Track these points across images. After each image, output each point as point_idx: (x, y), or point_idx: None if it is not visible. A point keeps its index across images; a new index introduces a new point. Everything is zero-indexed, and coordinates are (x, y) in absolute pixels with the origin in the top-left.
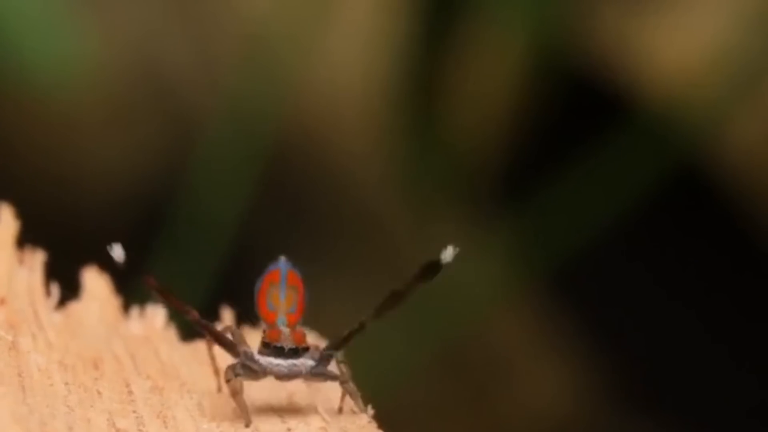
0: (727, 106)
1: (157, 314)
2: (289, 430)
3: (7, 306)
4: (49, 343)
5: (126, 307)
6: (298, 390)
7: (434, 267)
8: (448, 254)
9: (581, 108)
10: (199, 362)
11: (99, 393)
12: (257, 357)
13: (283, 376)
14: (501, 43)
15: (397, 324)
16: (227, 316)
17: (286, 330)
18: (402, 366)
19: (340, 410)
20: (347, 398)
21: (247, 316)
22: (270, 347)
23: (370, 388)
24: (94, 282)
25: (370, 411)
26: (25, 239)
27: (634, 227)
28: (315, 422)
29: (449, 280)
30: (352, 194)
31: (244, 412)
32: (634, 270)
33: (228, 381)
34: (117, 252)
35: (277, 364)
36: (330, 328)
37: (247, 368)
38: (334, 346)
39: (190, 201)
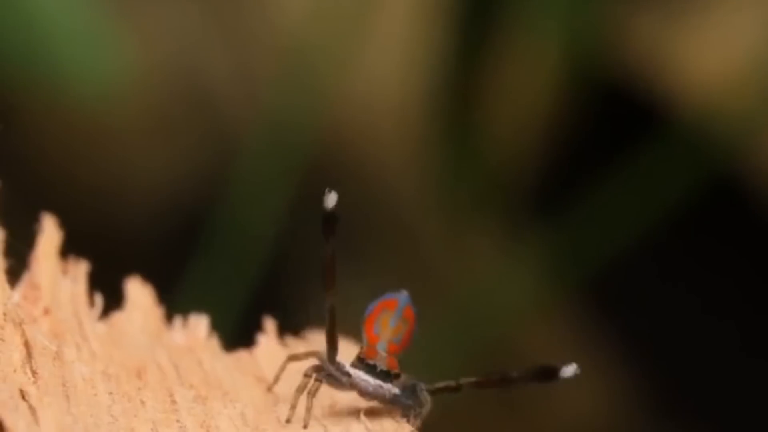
0: (763, 117)
1: (199, 324)
2: None
3: (52, 316)
4: (93, 353)
5: (169, 317)
6: (341, 398)
7: (551, 375)
8: (569, 371)
9: (616, 118)
10: (241, 372)
11: (143, 402)
12: (348, 368)
13: (367, 394)
14: (536, 55)
15: (432, 335)
16: (270, 328)
17: (383, 354)
18: (437, 376)
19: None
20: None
21: (286, 327)
22: (363, 363)
23: None
24: (138, 292)
25: (413, 421)
26: (69, 250)
27: (668, 238)
28: (357, 431)
29: (483, 290)
30: (387, 205)
31: (308, 413)
32: (667, 280)
33: (306, 375)
34: (331, 198)
35: (365, 380)
36: (357, 337)
37: (333, 378)
38: (427, 388)
39: (229, 211)
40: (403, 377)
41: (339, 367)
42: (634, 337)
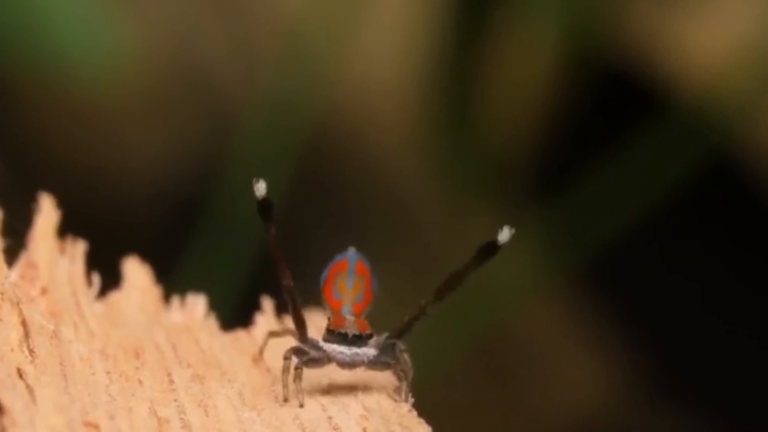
0: (761, 99)
1: (197, 304)
2: (330, 418)
3: (49, 295)
4: (91, 333)
5: (167, 296)
6: (338, 378)
7: (491, 248)
8: (504, 235)
9: (614, 101)
10: (239, 351)
11: (140, 382)
12: (321, 343)
13: (345, 364)
14: (535, 37)
15: (429, 318)
16: (267, 307)
17: (350, 318)
18: (436, 359)
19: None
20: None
21: (284, 307)
22: (334, 334)
23: None
24: (135, 272)
25: (411, 400)
26: (67, 230)
27: (667, 220)
28: (355, 410)
29: (481, 273)
30: (385, 187)
31: (301, 393)
32: (666, 263)
33: (285, 359)
34: (260, 187)
35: (341, 352)
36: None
37: (310, 358)
38: (396, 335)
39: (227, 192)
40: (375, 334)
41: (312, 343)
42: (632, 320)
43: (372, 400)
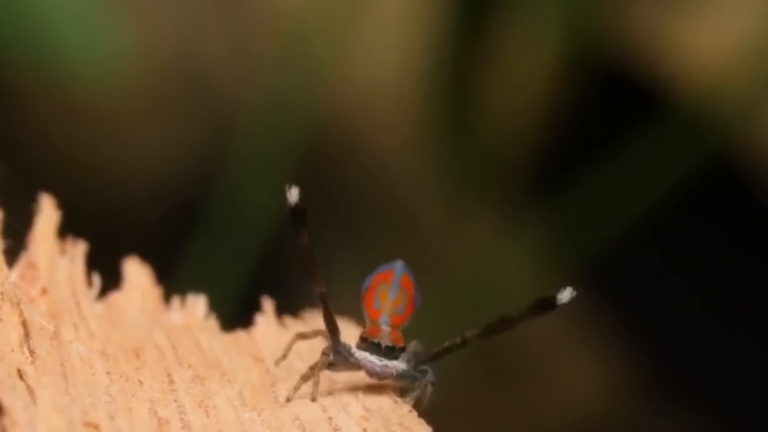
0: (761, 99)
1: (197, 304)
2: (330, 418)
3: (49, 296)
4: (91, 333)
5: (167, 297)
6: (339, 379)
7: (549, 305)
8: (565, 295)
9: (614, 101)
10: (239, 352)
11: (140, 382)
12: (354, 350)
13: (375, 374)
14: (535, 37)
15: (431, 317)
16: (267, 307)
17: (386, 328)
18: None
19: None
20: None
21: (285, 307)
22: (367, 342)
23: None
24: (136, 272)
25: (411, 400)
26: (67, 230)
27: (668, 221)
28: (356, 411)
29: (482, 273)
30: (385, 187)
31: (315, 387)
32: (667, 264)
33: (324, 354)
34: (293, 194)
35: (371, 361)
36: (357, 319)
37: (342, 359)
38: (431, 357)
39: (227, 192)
40: (411, 347)
41: (345, 349)
42: (632, 320)
43: (372, 400)
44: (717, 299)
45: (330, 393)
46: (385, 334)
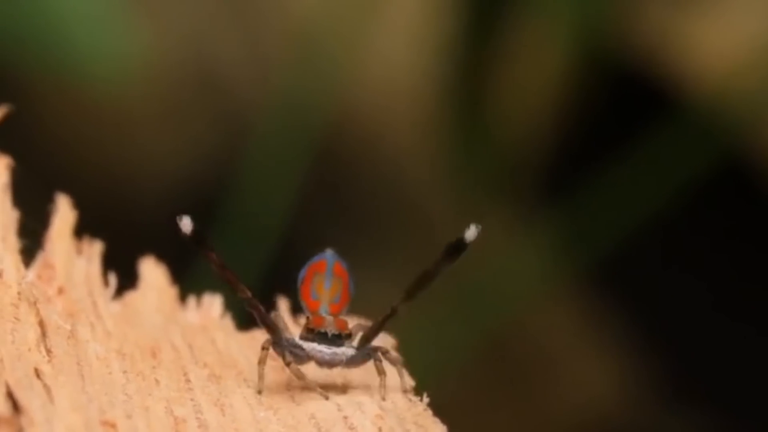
0: None
1: (213, 303)
2: (345, 417)
3: (66, 295)
4: (108, 332)
5: (183, 296)
6: (354, 378)
7: (459, 246)
8: (471, 233)
9: (625, 101)
10: (255, 351)
11: (157, 381)
12: (300, 342)
13: (324, 363)
14: (547, 37)
15: (442, 317)
16: (283, 306)
17: (329, 317)
18: (448, 358)
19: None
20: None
21: (299, 307)
22: (313, 332)
23: (418, 379)
24: (152, 272)
25: (426, 399)
26: (83, 231)
27: (678, 221)
28: (371, 409)
29: (493, 272)
30: (398, 188)
31: (260, 380)
32: (678, 263)
33: (263, 348)
34: (185, 223)
35: (320, 351)
36: (371, 316)
37: (292, 353)
38: (370, 334)
39: (241, 194)
40: (354, 329)
41: (290, 342)
42: (643, 320)
43: (387, 399)
44: (728, 299)
45: (345, 392)
46: (330, 323)
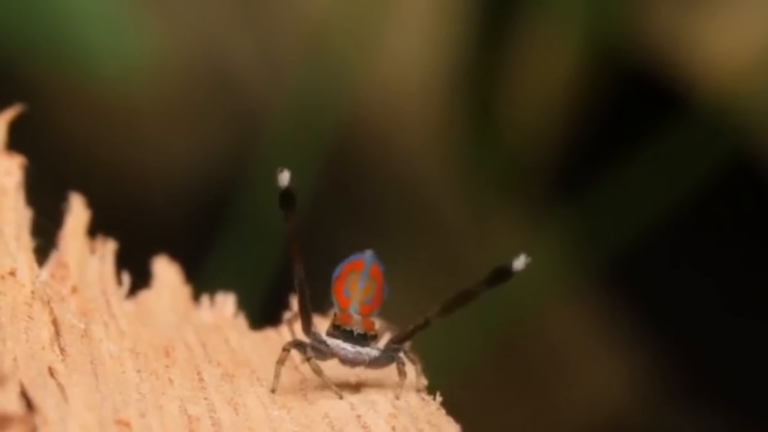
0: None
1: (227, 302)
2: (358, 416)
3: (80, 294)
4: (121, 331)
5: (196, 295)
6: (367, 377)
7: (505, 274)
8: (520, 263)
9: (636, 101)
10: (268, 350)
11: (170, 380)
12: (325, 338)
13: (347, 361)
14: (558, 38)
15: (454, 318)
16: (296, 305)
17: (357, 316)
18: (460, 357)
19: (397, 397)
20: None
21: (312, 303)
22: (339, 330)
23: (430, 378)
24: (165, 271)
25: (439, 398)
26: (96, 229)
27: (689, 220)
28: (384, 408)
29: None
30: (409, 187)
31: (275, 379)
32: (688, 262)
33: (284, 350)
34: (284, 177)
35: (344, 348)
36: (382, 316)
37: (315, 349)
38: (398, 340)
39: (255, 193)
40: (380, 334)
41: (316, 337)
42: (654, 319)
43: (401, 398)
44: (738, 298)
45: (358, 391)
46: (357, 322)
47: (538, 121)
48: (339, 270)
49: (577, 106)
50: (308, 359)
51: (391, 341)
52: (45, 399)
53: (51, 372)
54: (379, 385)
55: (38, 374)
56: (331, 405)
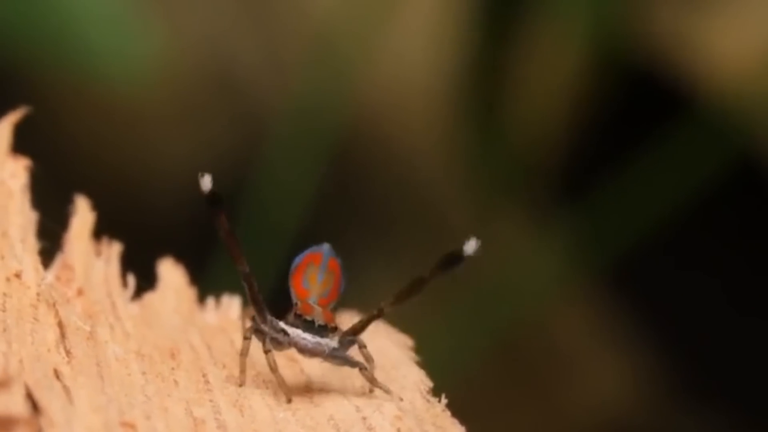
0: None
1: (232, 304)
2: (364, 418)
3: (85, 296)
4: (127, 333)
5: (201, 297)
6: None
7: (456, 259)
8: (470, 247)
9: (641, 102)
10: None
11: (176, 382)
12: (285, 327)
13: (306, 351)
14: (563, 39)
15: (458, 317)
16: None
17: (318, 308)
18: (465, 359)
19: (371, 390)
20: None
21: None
22: (300, 319)
23: (435, 379)
24: (170, 273)
25: (444, 400)
26: (102, 231)
27: (693, 221)
28: (390, 410)
29: (509, 273)
30: (413, 189)
31: (242, 373)
32: (692, 264)
33: (245, 338)
34: (206, 181)
35: (304, 338)
36: (388, 320)
37: (273, 339)
38: (353, 332)
39: (257, 196)
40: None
41: (273, 325)
42: (658, 320)
43: (406, 400)
44: (742, 299)
45: (364, 393)
46: (318, 313)
47: (542, 122)
48: (298, 260)
49: (582, 107)
50: (266, 352)
51: (347, 333)
52: (51, 401)
53: (56, 374)
54: (384, 387)
55: (44, 376)
56: (337, 407)
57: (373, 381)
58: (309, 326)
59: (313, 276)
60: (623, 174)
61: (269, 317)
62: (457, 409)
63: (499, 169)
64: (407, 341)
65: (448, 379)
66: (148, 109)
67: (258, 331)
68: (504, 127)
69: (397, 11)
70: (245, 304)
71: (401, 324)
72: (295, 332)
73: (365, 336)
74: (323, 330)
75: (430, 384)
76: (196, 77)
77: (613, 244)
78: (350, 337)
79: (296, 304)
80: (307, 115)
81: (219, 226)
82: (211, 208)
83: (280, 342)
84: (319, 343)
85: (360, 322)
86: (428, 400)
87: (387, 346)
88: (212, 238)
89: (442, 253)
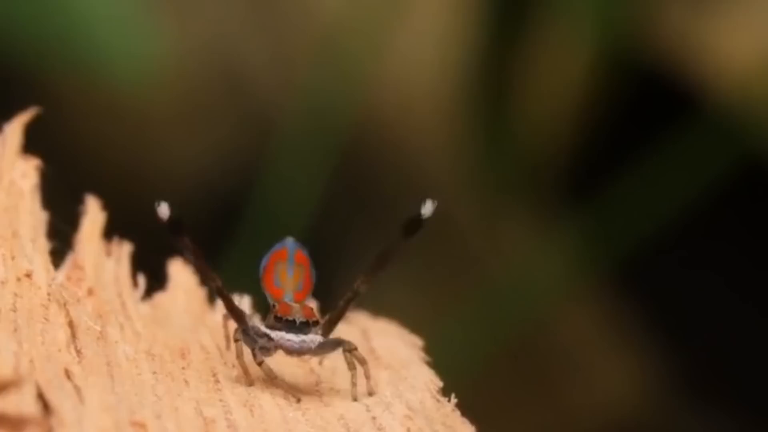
0: None
1: (242, 304)
2: (374, 418)
3: (95, 296)
4: (137, 333)
5: (211, 297)
6: (382, 379)
7: (415, 223)
8: (427, 209)
9: (648, 103)
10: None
11: (186, 382)
12: (267, 331)
13: (293, 352)
14: (570, 40)
15: (466, 317)
16: (312, 307)
17: (296, 305)
18: (473, 359)
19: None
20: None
21: (327, 307)
22: (281, 321)
23: (444, 379)
24: (180, 273)
25: (454, 400)
26: (112, 231)
27: (700, 222)
28: (399, 410)
29: (516, 273)
30: (421, 189)
31: (247, 374)
32: (699, 264)
33: (236, 341)
34: (162, 210)
35: (289, 339)
36: (396, 318)
37: (261, 347)
38: (334, 319)
39: (265, 196)
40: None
41: (256, 331)
42: (666, 321)
43: (416, 400)
44: (749, 300)
45: (373, 393)
46: (297, 310)
47: (549, 122)
48: (264, 262)
49: (589, 107)
50: (260, 364)
51: (328, 321)
52: (61, 401)
53: (67, 374)
54: (394, 386)
55: (54, 376)
56: (347, 406)
57: (361, 361)
58: (291, 326)
59: (283, 272)
60: (630, 174)
61: (251, 324)
62: (466, 409)
63: (506, 170)
64: (417, 341)
65: (457, 378)
66: (157, 109)
67: (245, 333)
68: (511, 127)
69: (404, 12)
70: (255, 305)
71: (411, 324)
72: (279, 335)
73: (369, 331)
74: (305, 326)
75: (439, 384)
76: (205, 77)
77: (620, 244)
78: (338, 338)
79: (273, 305)
80: (314, 115)
81: (184, 249)
82: (173, 234)
83: (266, 347)
84: (304, 341)
85: (338, 308)
86: (438, 400)
87: (397, 346)
88: (221, 237)
89: (448, 251)
